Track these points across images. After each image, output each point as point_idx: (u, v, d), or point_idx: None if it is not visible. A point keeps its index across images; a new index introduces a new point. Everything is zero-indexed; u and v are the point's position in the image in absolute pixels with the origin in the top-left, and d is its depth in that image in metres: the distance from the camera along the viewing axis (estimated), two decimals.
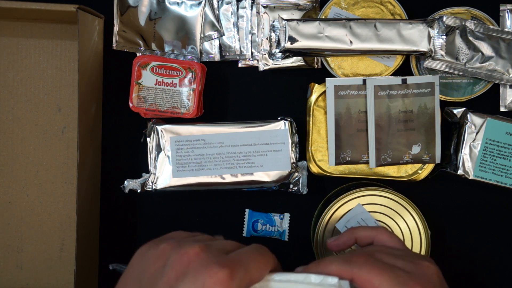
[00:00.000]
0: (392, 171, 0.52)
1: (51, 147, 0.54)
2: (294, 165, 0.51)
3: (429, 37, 0.49)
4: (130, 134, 0.55)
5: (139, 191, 0.51)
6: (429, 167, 0.51)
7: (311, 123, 0.51)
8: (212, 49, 0.54)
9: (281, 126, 0.51)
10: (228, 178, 0.50)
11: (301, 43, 0.50)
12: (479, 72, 0.51)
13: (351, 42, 0.50)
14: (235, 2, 0.53)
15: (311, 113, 0.51)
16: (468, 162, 0.50)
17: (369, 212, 0.50)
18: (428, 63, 0.51)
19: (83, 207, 0.50)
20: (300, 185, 0.51)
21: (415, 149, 0.51)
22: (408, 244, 0.50)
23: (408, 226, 0.49)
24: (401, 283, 0.36)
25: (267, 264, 0.35)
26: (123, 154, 0.55)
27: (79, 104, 0.48)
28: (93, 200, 0.54)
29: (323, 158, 0.52)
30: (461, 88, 0.52)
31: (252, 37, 0.54)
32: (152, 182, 0.50)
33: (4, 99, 0.54)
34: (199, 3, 0.53)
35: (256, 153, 0.50)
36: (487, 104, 0.53)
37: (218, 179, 0.50)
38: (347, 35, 0.49)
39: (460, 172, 0.50)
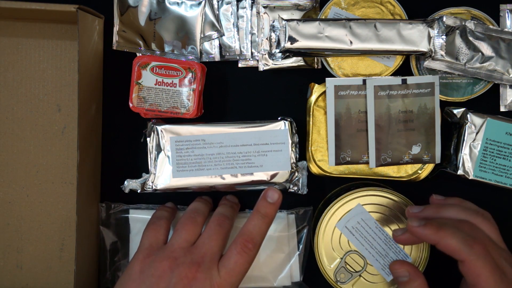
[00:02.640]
0: (392, 171, 0.52)
1: (51, 147, 0.54)
2: (294, 165, 0.51)
3: (429, 37, 0.49)
4: (130, 134, 0.55)
5: (139, 191, 0.51)
6: (429, 167, 0.51)
7: (311, 123, 0.51)
8: (212, 49, 0.54)
9: (281, 126, 0.51)
10: (228, 178, 0.50)
11: (301, 43, 0.50)
12: (479, 72, 0.51)
13: (351, 42, 0.50)
14: (235, 2, 0.53)
15: (311, 113, 0.51)
16: (468, 162, 0.50)
17: (369, 212, 0.50)
18: (428, 63, 0.51)
19: (83, 207, 0.50)
20: (300, 185, 0.51)
21: (415, 149, 0.51)
22: (408, 244, 0.50)
23: None
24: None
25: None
26: (123, 154, 0.55)
27: (79, 104, 0.48)
28: (93, 200, 0.54)
29: (323, 158, 0.52)
30: (461, 88, 0.52)
31: (252, 37, 0.54)
32: (152, 182, 0.50)
33: (4, 99, 0.54)
34: (199, 3, 0.53)
35: (256, 153, 0.50)
36: (487, 104, 0.53)
37: (218, 179, 0.50)
38: (347, 35, 0.49)
39: (460, 172, 0.50)
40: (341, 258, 0.50)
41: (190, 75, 0.50)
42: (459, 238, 0.41)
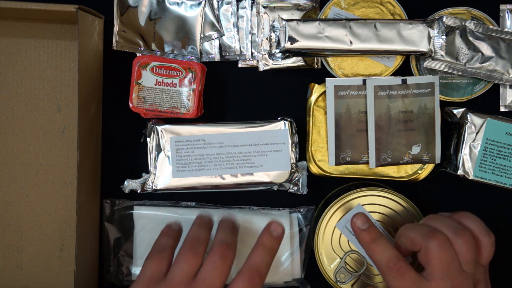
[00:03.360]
0: (392, 171, 0.52)
1: (51, 147, 0.54)
2: (294, 165, 0.51)
3: (429, 37, 0.49)
4: (130, 134, 0.55)
5: (139, 191, 0.51)
6: (429, 167, 0.51)
7: (311, 123, 0.51)
8: (212, 49, 0.54)
9: (281, 126, 0.51)
10: (228, 178, 0.50)
11: (301, 43, 0.50)
12: (479, 72, 0.51)
13: (351, 42, 0.50)
14: (235, 2, 0.53)
15: (311, 113, 0.51)
16: (468, 162, 0.50)
17: (369, 212, 0.50)
18: (428, 63, 0.51)
19: (83, 207, 0.50)
20: (300, 185, 0.51)
21: (415, 149, 0.51)
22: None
23: None
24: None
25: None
26: (123, 154, 0.55)
27: (79, 104, 0.48)
28: (93, 200, 0.54)
29: (323, 158, 0.52)
30: (461, 88, 0.52)
31: (252, 37, 0.54)
32: (152, 182, 0.50)
33: (4, 99, 0.54)
34: (199, 3, 0.53)
35: (256, 153, 0.50)
36: (487, 104, 0.53)
37: (218, 180, 0.50)
38: (347, 35, 0.49)
39: (460, 172, 0.50)
40: (341, 258, 0.50)
41: (190, 75, 0.50)
42: (383, 258, 0.44)
